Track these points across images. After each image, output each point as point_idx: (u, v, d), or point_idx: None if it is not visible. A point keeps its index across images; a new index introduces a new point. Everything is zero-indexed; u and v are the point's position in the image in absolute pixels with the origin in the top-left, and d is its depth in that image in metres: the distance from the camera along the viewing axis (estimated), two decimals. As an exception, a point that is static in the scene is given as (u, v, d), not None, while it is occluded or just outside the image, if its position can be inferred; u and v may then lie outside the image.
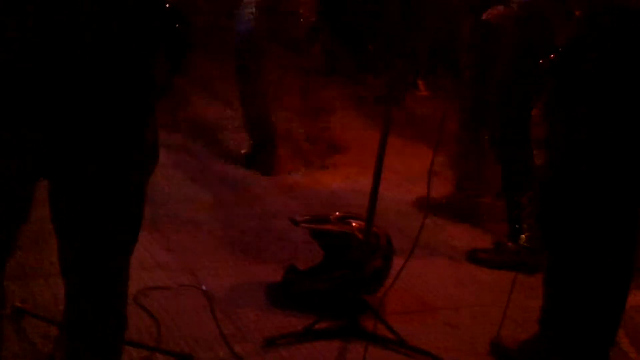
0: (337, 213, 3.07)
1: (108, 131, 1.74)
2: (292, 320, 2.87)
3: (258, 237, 3.51)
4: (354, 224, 2.96)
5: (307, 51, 4.52)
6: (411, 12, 5.33)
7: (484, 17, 3.48)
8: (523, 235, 3.50)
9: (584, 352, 2.52)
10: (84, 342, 1.86)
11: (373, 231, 2.91)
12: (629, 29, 2.32)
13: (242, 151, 4.32)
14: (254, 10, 4.11)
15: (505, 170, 3.58)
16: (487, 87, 3.70)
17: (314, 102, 4.70)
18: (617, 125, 2.36)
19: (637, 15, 2.32)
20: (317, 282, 2.98)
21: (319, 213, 3.21)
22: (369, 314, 2.86)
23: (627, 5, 2.33)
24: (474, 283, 3.39)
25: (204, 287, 3.01)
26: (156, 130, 1.88)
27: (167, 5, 1.82)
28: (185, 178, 4.03)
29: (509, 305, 2.82)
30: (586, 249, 2.46)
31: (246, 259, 3.31)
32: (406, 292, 3.19)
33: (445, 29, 5.22)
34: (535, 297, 2.84)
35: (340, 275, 2.93)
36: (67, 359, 1.89)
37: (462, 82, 3.89)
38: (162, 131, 1.95)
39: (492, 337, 2.88)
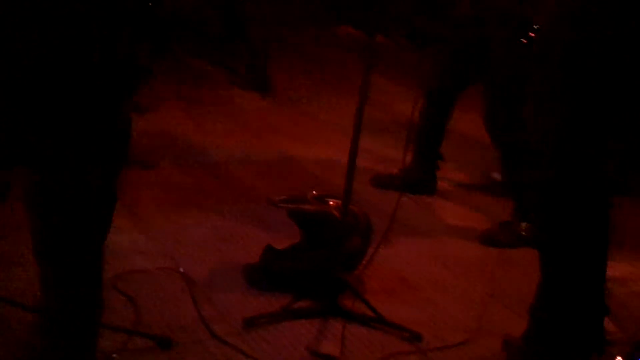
0: (314, 192, 3.07)
1: (82, 116, 1.73)
2: (271, 301, 2.87)
3: (236, 218, 3.50)
4: (331, 203, 2.96)
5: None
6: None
7: None
8: (523, 224, 3.54)
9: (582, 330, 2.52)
10: (60, 327, 1.85)
11: (351, 210, 2.91)
12: (607, 5, 2.32)
13: None
14: None
15: (506, 154, 3.62)
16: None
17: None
18: (592, 100, 2.36)
19: None
20: (295, 262, 2.97)
21: (296, 193, 3.21)
22: (349, 293, 2.87)
23: None
24: (455, 262, 3.39)
25: (182, 270, 3.00)
26: (129, 118, 1.86)
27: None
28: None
29: (491, 285, 2.85)
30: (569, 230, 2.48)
31: (224, 241, 3.30)
32: (387, 271, 3.21)
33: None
34: (518, 275, 2.87)
35: (319, 255, 2.93)
36: (44, 344, 1.88)
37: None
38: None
39: (474, 316, 2.90)
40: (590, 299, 2.53)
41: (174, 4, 4.62)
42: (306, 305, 2.82)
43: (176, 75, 5.17)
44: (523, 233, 3.53)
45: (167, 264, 3.05)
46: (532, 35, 2.59)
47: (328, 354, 2.62)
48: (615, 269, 3.45)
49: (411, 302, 3.03)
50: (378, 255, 3.19)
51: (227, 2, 5.10)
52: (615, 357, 1.91)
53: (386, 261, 3.25)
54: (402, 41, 6.09)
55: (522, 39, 3.02)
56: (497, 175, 4.08)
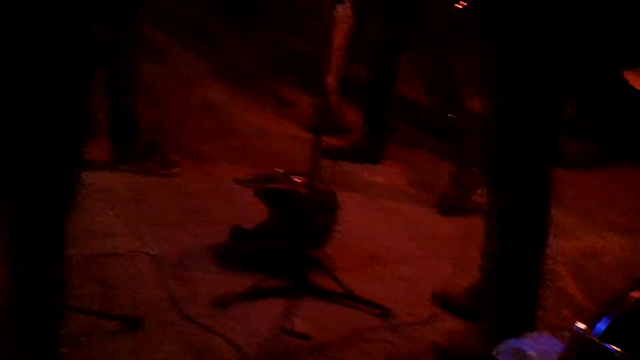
0: (280, 170, 3.06)
1: (39, 96, 1.70)
2: (241, 280, 2.86)
3: (204, 199, 3.49)
4: (297, 180, 2.95)
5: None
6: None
7: None
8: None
9: (516, 293, 2.57)
10: (24, 309, 1.84)
11: (317, 187, 2.90)
12: None
13: None
14: None
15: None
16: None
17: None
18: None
19: None
20: (263, 241, 2.97)
21: (262, 172, 3.19)
22: (318, 270, 2.87)
23: None
24: (423, 235, 3.41)
25: (151, 252, 2.99)
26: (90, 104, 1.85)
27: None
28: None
29: (455, 256, 2.88)
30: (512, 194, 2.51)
31: (193, 222, 3.28)
32: (355, 246, 3.22)
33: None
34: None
35: (286, 233, 2.92)
36: (8, 327, 1.87)
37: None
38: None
39: (440, 288, 2.92)
40: (526, 268, 2.56)
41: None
42: (276, 283, 2.82)
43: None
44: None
45: (137, 246, 3.04)
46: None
47: (299, 331, 2.63)
48: (585, 241, 3.52)
49: (380, 278, 3.04)
50: (346, 230, 3.21)
51: None
52: (581, 327, 1.91)
53: (353, 236, 3.26)
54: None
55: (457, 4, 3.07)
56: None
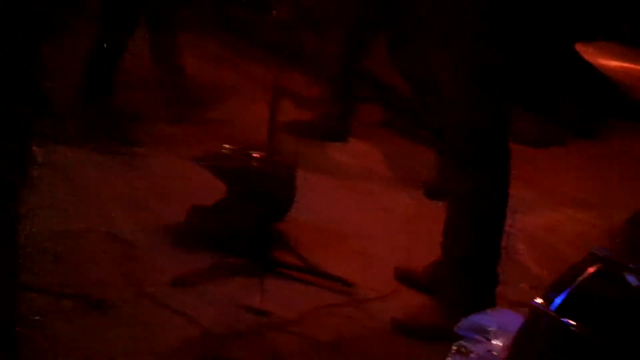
0: (237, 147, 3.02)
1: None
2: (199, 259, 2.84)
3: (161, 177, 3.43)
4: (255, 156, 2.91)
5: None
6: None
7: None
8: None
9: (475, 269, 2.59)
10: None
11: (274, 162, 2.88)
12: None
13: None
14: None
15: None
16: None
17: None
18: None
19: None
20: (220, 218, 2.94)
21: (221, 149, 3.14)
22: (278, 246, 2.86)
23: None
24: (385, 211, 3.42)
25: (111, 230, 2.94)
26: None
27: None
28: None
29: (415, 230, 2.89)
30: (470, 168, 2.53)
31: (150, 200, 3.24)
32: (317, 223, 3.21)
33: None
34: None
35: (244, 210, 2.89)
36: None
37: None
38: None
39: (402, 264, 2.93)
40: (485, 244, 2.59)
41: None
42: (236, 261, 2.80)
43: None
44: None
45: (93, 224, 2.99)
46: None
47: (260, 308, 2.62)
48: (544, 216, 3.56)
49: (342, 254, 3.05)
50: (308, 207, 3.20)
51: None
52: (538, 301, 1.93)
53: (316, 213, 3.25)
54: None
55: None
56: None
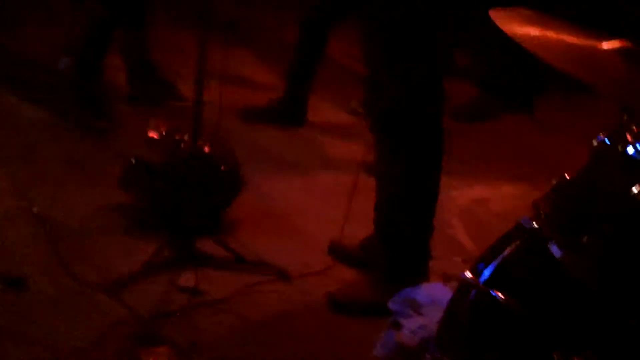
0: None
1: None
2: (131, 237, 2.82)
3: (93, 157, 3.36)
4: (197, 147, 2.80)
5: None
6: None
7: None
8: None
9: (407, 244, 2.59)
10: None
11: (209, 158, 2.84)
12: None
13: None
14: None
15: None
16: None
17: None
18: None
19: None
20: (153, 194, 2.87)
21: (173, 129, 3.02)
22: (211, 236, 2.81)
23: None
24: (317, 187, 3.41)
25: (35, 210, 2.87)
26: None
27: None
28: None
29: (350, 207, 2.87)
30: (397, 139, 2.51)
31: (82, 181, 3.17)
32: (255, 204, 3.17)
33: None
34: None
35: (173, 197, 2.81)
36: None
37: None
38: None
39: (335, 240, 2.92)
40: (416, 218, 2.59)
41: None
42: (167, 257, 2.71)
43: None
44: None
45: (20, 205, 2.92)
46: None
47: (191, 287, 2.59)
48: (477, 190, 3.59)
49: (275, 232, 3.03)
50: (248, 189, 3.16)
51: None
52: (467, 275, 1.94)
53: (255, 194, 3.21)
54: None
55: None
56: (356, 104, 4.08)
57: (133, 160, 2.90)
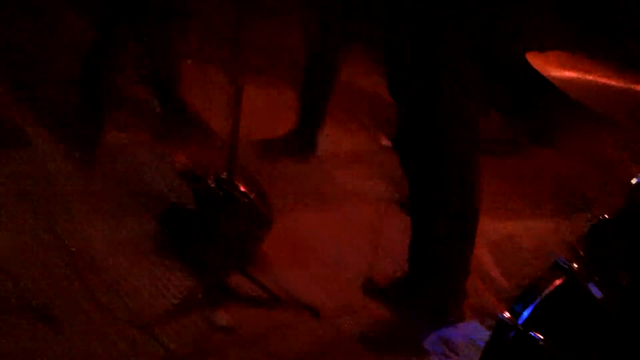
0: (220, 169, 2.92)
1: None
2: (164, 272, 2.81)
3: (126, 188, 3.35)
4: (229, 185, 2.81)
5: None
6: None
7: None
8: None
9: (442, 285, 2.57)
10: None
11: (240, 198, 2.83)
12: None
13: None
14: None
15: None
16: None
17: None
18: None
19: None
20: (188, 234, 2.91)
21: (204, 164, 3.10)
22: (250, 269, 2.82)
23: None
24: (353, 226, 3.38)
25: (67, 243, 2.88)
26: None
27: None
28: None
29: (383, 244, 2.88)
30: (432, 178, 2.50)
31: (116, 213, 3.16)
32: (287, 240, 3.15)
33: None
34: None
35: (208, 236, 2.83)
36: None
37: None
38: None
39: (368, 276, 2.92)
40: (453, 258, 2.58)
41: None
42: (200, 292, 2.72)
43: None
44: None
45: (53, 238, 2.92)
46: None
47: (223, 324, 2.59)
48: (508, 226, 3.57)
49: (310, 270, 3.01)
50: (280, 225, 3.17)
51: None
52: (505, 315, 1.93)
53: (287, 230, 3.20)
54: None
55: None
56: (385, 142, 4.09)
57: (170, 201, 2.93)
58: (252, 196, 2.92)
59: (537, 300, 1.93)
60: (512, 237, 3.47)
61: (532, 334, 1.87)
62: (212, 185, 2.89)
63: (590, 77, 1.94)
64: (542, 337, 1.86)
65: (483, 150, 3.93)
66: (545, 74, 1.92)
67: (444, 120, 2.47)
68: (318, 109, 3.94)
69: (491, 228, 3.44)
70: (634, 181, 1.98)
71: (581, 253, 2.00)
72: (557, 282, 1.96)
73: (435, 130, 2.47)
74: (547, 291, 1.95)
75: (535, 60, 1.95)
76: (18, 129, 3.66)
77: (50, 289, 2.66)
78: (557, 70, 1.94)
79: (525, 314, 1.92)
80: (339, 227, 3.36)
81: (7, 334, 2.40)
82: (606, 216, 2.04)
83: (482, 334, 2.38)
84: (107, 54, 3.69)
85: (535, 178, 4.10)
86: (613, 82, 1.91)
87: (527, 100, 4.38)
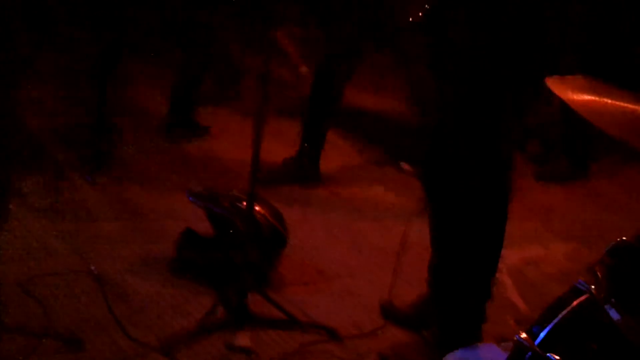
0: (234, 190, 2.99)
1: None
2: (185, 295, 2.85)
3: (149, 214, 3.43)
4: (244, 206, 2.82)
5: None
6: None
7: None
8: None
9: (463, 308, 2.56)
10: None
11: (256, 220, 2.87)
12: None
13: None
14: None
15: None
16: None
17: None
18: (481, 82, 2.38)
19: None
20: (206, 258, 2.95)
21: (217, 187, 3.14)
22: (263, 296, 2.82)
23: None
24: (368, 247, 3.42)
25: (93, 268, 2.92)
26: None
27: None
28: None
29: (400, 268, 2.88)
30: (460, 206, 2.49)
31: (137, 238, 3.23)
32: (304, 263, 3.21)
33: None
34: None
35: (224, 258, 2.88)
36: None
37: None
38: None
39: (387, 300, 2.92)
40: (473, 281, 2.56)
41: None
42: (220, 315, 2.74)
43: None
44: None
45: (78, 265, 2.97)
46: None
47: (245, 347, 2.61)
48: (529, 251, 3.57)
49: (328, 294, 3.04)
50: (296, 248, 3.20)
51: None
52: (522, 337, 1.93)
53: (304, 253, 3.26)
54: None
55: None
56: (406, 166, 4.10)
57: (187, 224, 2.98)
58: (266, 213, 2.96)
59: (555, 322, 1.93)
60: (533, 261, 3.47)
61: (549, 355, 1.87)
62: (227, 205, 2.94)
63: (611, 103, 1.93)
64: (559, 358, 1.86)
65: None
66: (564, 98, 1.92)
67: (481, 148, 2.45)
68: (320, 133, 3.95)
69: (511, 252, 3.43)
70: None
71: (600, 276, 1.99)
72: (575, 304, 1.96)
73: (473, 160, 2.46)
74: (565, 313, 1.94)
75: (555, 84, 1.95)
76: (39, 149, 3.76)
77: (77, 313, 2.70)
78: (577, 94, 1.93)
79: (543, 335, 1.92)
80: (350, 248, 3.39)
81: (39, 358, 2.43)
82: (625, 239, 2.04)
83: (500, 356, 2.37)
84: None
85: (557, 205, 4.10)
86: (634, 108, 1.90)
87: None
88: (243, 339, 2.62)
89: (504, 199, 2.50)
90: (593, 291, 1.94)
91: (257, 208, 2.88)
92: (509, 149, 2.50)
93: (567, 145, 4.41)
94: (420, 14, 2.43)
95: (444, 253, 2.56)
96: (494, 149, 2.44)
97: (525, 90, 2.45)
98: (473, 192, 2.45)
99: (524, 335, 1.91)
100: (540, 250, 3.60)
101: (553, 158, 4.46)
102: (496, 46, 2.34)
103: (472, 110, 2.38)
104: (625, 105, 1.94)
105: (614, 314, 1.87)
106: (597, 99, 1.96)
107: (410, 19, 2.58)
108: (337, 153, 4.22)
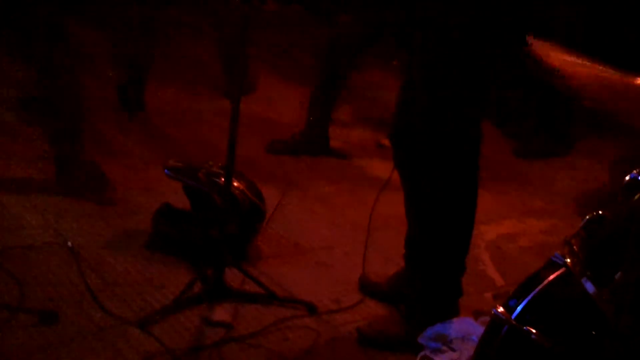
0: (211, 163, 2.97)
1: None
2: (161, 269, 2.84)
3: (125, 187, 3.40)
4: (221, 180, 2.78)
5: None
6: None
7: None
8: None
9: (439, 282, 2.57)
10: None
11: (234, 194, 2.85)
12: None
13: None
14: None
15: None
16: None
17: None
18: (450, 54, 2.36)
19: None
20: (183, 233, 2.93)
21: (194, 161, 3.10)
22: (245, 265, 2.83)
23: None
24: (346, 223, 3.42)
25: (69, 244, 2.90)
26: None
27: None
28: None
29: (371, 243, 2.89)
30: (429, 181, 2.49)
31: (113, 212, 3.22)
32: (282, 236, 3.21)
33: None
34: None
35: (202, 233, 2.87)
36: None
37: None
38: None
39: (364, 275, 2.93)
40: (448, 255, 2.57)
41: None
42: (197, 290, 2.71)
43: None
44: None
45: (52, 238, 2.95)
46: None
47: (221, 321, 2.60)
48: (506, 226, 3.59)
49: (304, 266, 3.04)
50: (274, 221, 3.18)
51: None
52: (498, 308, 1.94)
53: (282, 227, 3.26)
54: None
55: None
56: (385, 141, 4.12)
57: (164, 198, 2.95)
58: (244, 188, 2.94)
59: (531, 296, 1.94)
60: (510, 236, 3.49)
61: (525, 328, 1.88)
62: (204, 178, 2.92)
63: (587, 62, 1.94)
64: (535, 331, 1.87)
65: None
66: (546, 58, 1.92)
67: (453, 125, 2.45)
68: (330, 113, 3.99)
69: (488, 227, 3.47)
70: (627, 178, 1.98)
71: (576, 249, 2.00)
72: (551, 277, 1.96)
73: (441, 132, 2.45)
74: (541, 287, 1.95)
75: (540, 47, 1.95)
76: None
77: (52, 287, 2.67)
78: (558, 55, 1.93)
79: (519, 309, 1.92)
80: (332, 223, 3.39)
81: (8, 333, 2.40)
82: (601, 212, 2.05)
83: (477, 330, 2.38)
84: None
85: (534, 180, 4.12)
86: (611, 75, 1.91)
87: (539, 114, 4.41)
88: (220, 314, 2.61)
89: (474, 172, 2.50)
90: (569, 264, 1.95)
91: (234, 182, 2.86)
92: (477, 121, 2.49)
93: (546, 120, 4.43)
94: None
95: (417, 226, 2.56)
96: (462, 122, 2.43)
97: (497, 62, 2.43)
98: (440, 166, 2.45)
99: (501, 309, 1.92)
100: (518, 225, 3.61)
101: (532, 134, 4.48)
102: (469, 20, 2.32)
103: (441, 83, 2.37)
104: (600, 67, 1.95)
105: (590, 287, 1.88)
106: (575, 60, 1.97)
107: None
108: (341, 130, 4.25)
